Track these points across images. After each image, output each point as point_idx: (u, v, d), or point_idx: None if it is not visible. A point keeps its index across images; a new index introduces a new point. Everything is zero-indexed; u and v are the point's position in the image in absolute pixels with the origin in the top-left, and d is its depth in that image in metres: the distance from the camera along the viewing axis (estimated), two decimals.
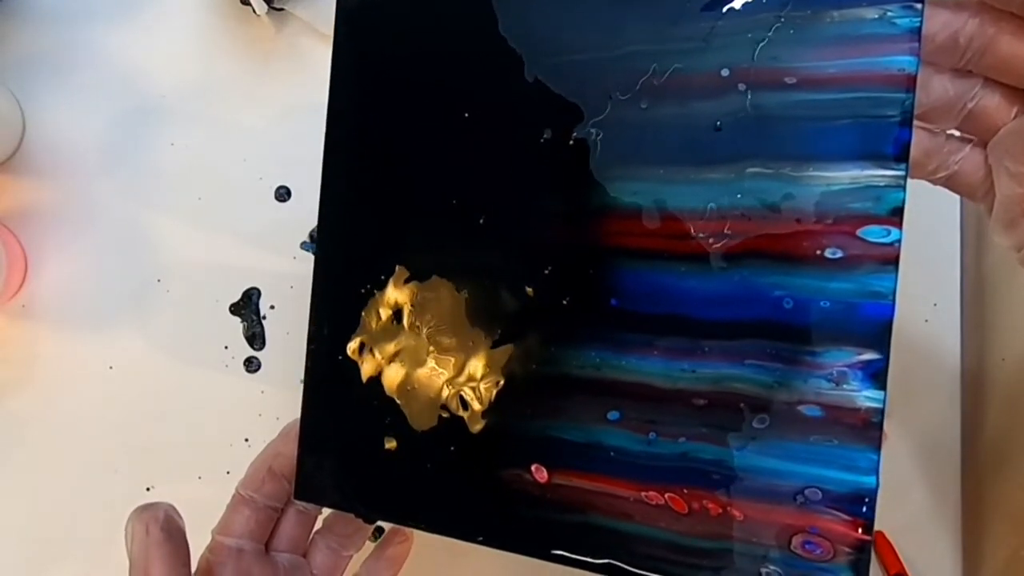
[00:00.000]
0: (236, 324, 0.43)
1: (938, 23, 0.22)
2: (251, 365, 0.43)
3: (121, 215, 0.44)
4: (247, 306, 0.43)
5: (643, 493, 0.23)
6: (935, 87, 0.23)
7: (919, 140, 0.24)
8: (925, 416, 0.39)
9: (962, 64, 0.23)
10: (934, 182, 0.25)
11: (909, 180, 0.25)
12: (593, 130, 0.24)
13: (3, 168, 0.44)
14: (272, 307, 0.43)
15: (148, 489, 0.42)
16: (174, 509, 0.27)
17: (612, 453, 0.23)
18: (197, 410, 0.43)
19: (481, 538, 0.25)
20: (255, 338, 0.43)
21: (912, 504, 0.38)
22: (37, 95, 0.45)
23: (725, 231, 0.22)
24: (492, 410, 0.25)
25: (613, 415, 0.24)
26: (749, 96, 0.22)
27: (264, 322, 0.43)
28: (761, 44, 0.22)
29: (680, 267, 0.23)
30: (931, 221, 0.40)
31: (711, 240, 0.22)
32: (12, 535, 0.43)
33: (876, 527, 0.37)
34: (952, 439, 0.38)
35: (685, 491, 0.23)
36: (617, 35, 0.23)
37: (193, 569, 0.27)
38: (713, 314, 0.22)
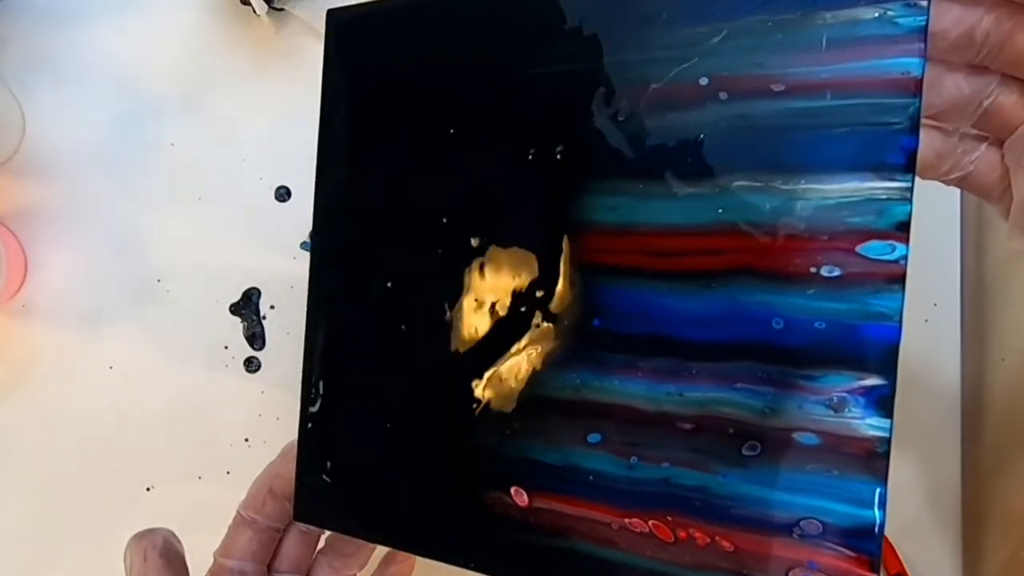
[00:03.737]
0: (236, 324, 0.43)
1: (950, 19, 0.21)
2: (251, 365, 0.43)
3: (121, 215, 0.44)
4: (247, 306, 0.43)
5: (626, 519, 0.22)
6: (948, 86, 0.22)
7: (931, 141, 0.23)
8: (925, 416, 0.38)
9: (978, 60, 0.21)
10: (947, 183, 0.24)
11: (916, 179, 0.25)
12: (573, 144, 0.23)
13: (3, 168, 0.44)
14: (272, 307, 0.43)
15: (148, 489, 0.42)
16: (172, 535, 0.27)
17: (591, 477, 0.22)
18: (197, 410, 0.43)
19: (472, 564, 0.24)
20: (255, 338, 0.43)
21: (912, 504, 0.38)
22: (37, 95, 0.45)
23: (710, 248, 0.21)
24: (474, 431, 0.24)
25: (594, 438, 0.23)
26: (731, 105, 0.21)
27: (264, 322, 0.43)
28: (743, 50, 0.21)
29: (663, 285, 0.22)
30: (931, 221, 0.40)
31: (696, 257, 0.21)
32: (12, 535, 0.42)
33: None
34: (952, 439, 0.38)
35: (669, 518, 0.21)
36: (596, 46, 0.23)
37: None
38: (700, 335, 0.21)
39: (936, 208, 0.40)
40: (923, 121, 0.23)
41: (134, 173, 0.44)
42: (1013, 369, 0.36)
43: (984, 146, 0.23)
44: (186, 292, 0.43)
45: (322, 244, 0.28)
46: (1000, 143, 0.23)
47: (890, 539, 0.37)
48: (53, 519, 0.42)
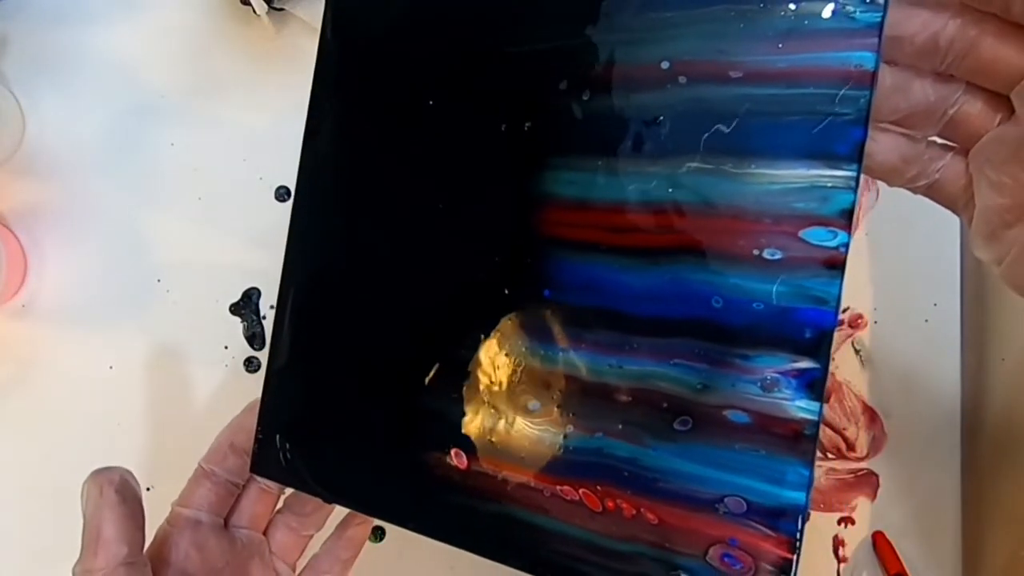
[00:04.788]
0: (236, 324, 0.43)
1: (917, 23, 0.21)
2: (251, 365, 0.43)
3: (121, 215, 0.44)
4: (247, 306, 0.43)
5: (558, 487, 0.23)
6: (915, 91, 0.22)
7: (897, 145, 0.23)
8: (925, 416, 0.38)
9: (943, 67, 0.22)
10: (914, 190, 0.24)
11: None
12: (540, 119, 0.23)
13: (3, 168, 0.44)
14: (272, 307, 0.43)
15: (148, 489, 0.42)
16: (130, 474, 0.27)
17: (527, 443, 0.23)
18: (197, 410, 0.43)
19: (411, 525, 0.25)
20: (255, 338, 0.43)
21: (912, 504, 0.38)
22: (37, 95, 0.45)
23: (659, 226, 0.22)
24: (423, 396, 0.25)
25: (533, 405, 0.23)
26: (689, 89, 0.21)
27: (264, 322, 0.43)
28: (705, 37, 0.21)
29: (612, 260, 0.22)
30: (931, 221, 0.40)
31: (644, 234, 0.22)
32: (12, 535, 0.42)
33: (876, 527, 0.37)
34: (952, 439, 0.38)
35: (599, 488, 0.22)
36: (569, 27, 0.23)
37: (150, 540, 0.27)
38: (643, 310, 0.22)
39: (936, 208, 0.40)
40: (889, 126, 0.23)
41: (134, 173, 0.44)
42: (1013, 369, 0.36)
43: (950, 155, 0.23)
44: (186, 292, 0.43)
45: (301, 203, 0.28)
46: (965, 152, 0.23)
47: (890, 539, 0.37)
48: (52, 519, 0.42)
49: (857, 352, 0.39)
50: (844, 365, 0.39)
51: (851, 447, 0.38)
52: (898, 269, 0.40)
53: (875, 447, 0.38)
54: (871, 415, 0.39)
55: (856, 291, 0.40)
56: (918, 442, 0.38)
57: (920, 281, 0.39)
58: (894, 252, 0.40)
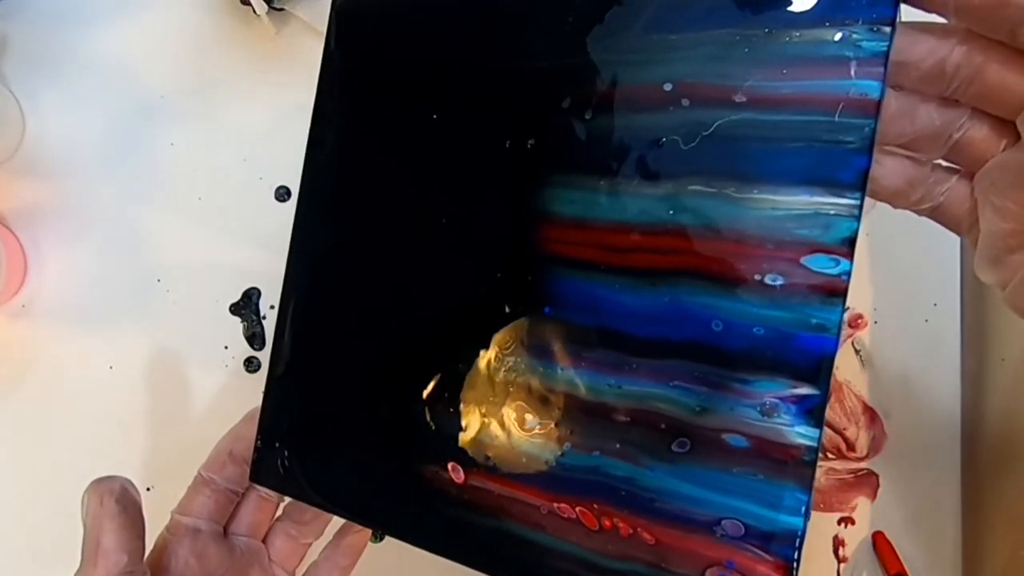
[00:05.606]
0: (236, 324, 0.43)
1: (923, 49, 0.21)
2: (251, 365, 0.43)
3: (121, 215, 0.44)
4: (247, 306, 0.43)
5: (555, 504, 0.23)
6: (921, 116, 0.22)
7: (903, 168, 0.23)
8: (925, 416, 0.39)
9: (949, 93, 0.22)
10: (919, 213, 0.24)
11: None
12: (543, 137, 0.23)
13: (3, 168, 0.44)
14: (272, 307, 0.43)
15: (148, 489, 0.42)
16: (130, 483, 0.27)
17: (525, 459, 0.23)
18: (197, 410, 0.43)
19: (408, 538, 0.25)
20: (255, 338, 0.43)
21: (912, 504, 0.38)
22: (37, 95, 0.45)
23: (660, 247, 0.22)
24: (421, 408, 0.25)
25: (532, 422, 0.23)
26: (692, 112, 0.21)
27: (264, 322, 0.43)
28: (710, 60, 0.21)
29: (613, 280, 0.22)
30: (931, 222, 0.40)
31: (645, 255, 0.22)
32: (12, 535, 0.42)
33: (876, 527, 0.37)
34: (952, 439, 0.38)
35: (595, 506, 0.22)
36: (575, 46, 0.23)
37: (149, 548, 0.27)
38: (643, 331, 0.22)
39: None
40: (894, 149, 0.23)
41: (134, 173, 0.44)
42: (1013, 369, 0.36)
43: (955, 178, 0.23)
44: (186, 292, 0.43)
45: (303, 213, 0.28)
46: (970, 176, 0.23)
47: (890, 539, 0.37)
48: (52, 519, 0.42)
49: (857, 352, 0.39)
50: (844, 365, 0.39)
51: (851, 447, 0.38)
52: (898, 269, 0.40)
53: (875, 447, 0.38)
54: (871, 415, 0.39)
55: (856, 291, 0.40)
56: (918, 442, 0.38)
57: (920, 281, 0.40)
58: (894, 252, 0.40)
